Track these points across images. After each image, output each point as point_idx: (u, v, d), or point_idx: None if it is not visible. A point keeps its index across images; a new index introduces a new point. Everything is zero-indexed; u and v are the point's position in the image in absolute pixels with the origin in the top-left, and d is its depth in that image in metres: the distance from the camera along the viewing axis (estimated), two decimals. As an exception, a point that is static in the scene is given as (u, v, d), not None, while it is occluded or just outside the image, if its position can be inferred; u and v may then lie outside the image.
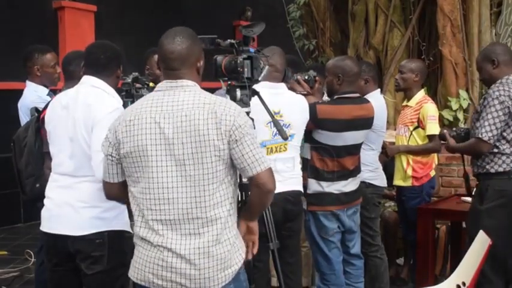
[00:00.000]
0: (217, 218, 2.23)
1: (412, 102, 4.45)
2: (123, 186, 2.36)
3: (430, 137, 4.35)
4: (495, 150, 3.56)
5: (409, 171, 4.43)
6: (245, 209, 2.45)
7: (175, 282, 2.22)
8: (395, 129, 4.98)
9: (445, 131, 3.98)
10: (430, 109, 4.38)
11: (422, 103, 4.40)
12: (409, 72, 4.44)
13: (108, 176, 2.37)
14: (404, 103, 4.58)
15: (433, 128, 4.33)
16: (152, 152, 2.20)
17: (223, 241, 2.25)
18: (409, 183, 4.44)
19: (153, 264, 2.24)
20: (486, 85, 3.95)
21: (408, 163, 4.43)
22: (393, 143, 4.74)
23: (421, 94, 4.49)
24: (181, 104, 2.21)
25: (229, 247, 2.27)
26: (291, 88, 3.61)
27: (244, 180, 2.45)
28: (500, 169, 3.57)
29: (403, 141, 4.46)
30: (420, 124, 4.37)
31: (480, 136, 3.51)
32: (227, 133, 2.19)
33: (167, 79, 2.29)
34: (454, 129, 3.98)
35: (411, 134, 4.41)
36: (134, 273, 2.31)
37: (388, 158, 4.52)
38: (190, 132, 2.17)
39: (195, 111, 2.19)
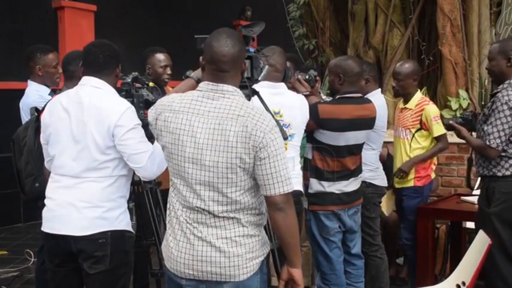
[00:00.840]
0: (244, 216, 2.31)
1: (411, 104, 4.41)
2: None
3: (438, 138, 4.34)
4: (502, 153, 3.55)
5: (412, 173, 4.41)
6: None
7: (205, 272, 2.29)
8: (395, 129, 4.97)
9: (451, 121, 3.95)
10: (433, 111, 4.37)
11: (423, 105, 4.37)
12: (406, 79, 4.38)
13: None
14: (402, 105, 4.52)
15: (440, 129, 4.33)
16: (182, 152, 2.28)
17: (253, 234, 2.33)
18: (411, 183, 4.42)
19: (184, 254, 2.31)
20: (492, 77, 3.92)
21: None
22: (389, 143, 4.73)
23: (418, 95, 4.47)
24: (218, 111, 2.26)
25: (257, 238, 2.35)
26: (292, 87, 3.61)
27: None
28: (508, 173, 3.56)
29: (405, 144, 4.42)
30: (423, 126, 4.35)
31: (488, 143, 3.51)
32: (254, 148, 2.22)
33: (211, 80, 2.32)
34: (460, 115, 3.94)
35: (413, 136, 4.38)
36: (169, 262, 2.38)
37: (406, 176, 4.44)
38: (220, 141, 2.23)
39: (227, 122, 2.23)
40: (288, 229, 2.33)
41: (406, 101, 4.48)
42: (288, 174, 2.30)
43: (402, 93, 4.46)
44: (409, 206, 4.44)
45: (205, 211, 2.28)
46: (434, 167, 4.59)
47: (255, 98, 2.81)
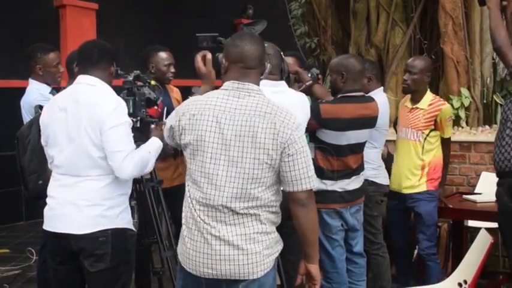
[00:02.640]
0: (263, 213, 2.35)
1: (423, 104, 4.16)
2: None
3: (446, 139, 4.20)
4: None
5: (424, 177, 4.18)
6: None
7: (224, 270, 2.32)
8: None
9: None
10: (449, 111, 4.23)
11: (439, 105, 4.14)
12: (419, 73, 4.14)
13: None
14: (410, 105, 4.25)
15: (450, 130, 4.24)
16: (209, 148, 2.32)
17: (269, 231, 2.39)
18: (423, 188, 4.17)
19: (202, 254, 2.34)
20: None
21: (423, 168, 4.17)
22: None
23: (430, 94, 4.22)
24: (244, 108, 2.32)
25: (273, 235, 2.41)
26: (296, 74, 3.70)
27: None
28: None
29: (416, 146, 4.16)
30: (437, 127, 4.14)
31: None
32: (282, 145, 2.30)
33: (236, 79, 2.38)
34: None
35: (426, 138, 4.14)
36: (186, 263, 2.40)
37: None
38: (248, 137, 2.28)
39: (255, 119, 2.30)
40: (309, 225, 2.40)
41: (415, 101, 4.22)
42: (312, 170, 2.37)
43: (413, 89, 4.20)
44: (426, 211, 4.15)
45: (225, 208, 2.31)
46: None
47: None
